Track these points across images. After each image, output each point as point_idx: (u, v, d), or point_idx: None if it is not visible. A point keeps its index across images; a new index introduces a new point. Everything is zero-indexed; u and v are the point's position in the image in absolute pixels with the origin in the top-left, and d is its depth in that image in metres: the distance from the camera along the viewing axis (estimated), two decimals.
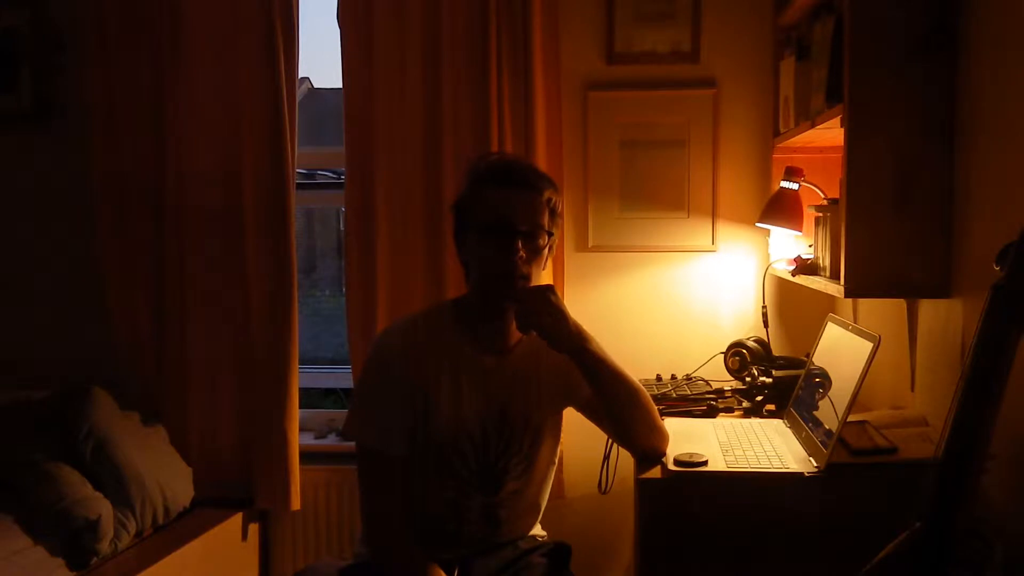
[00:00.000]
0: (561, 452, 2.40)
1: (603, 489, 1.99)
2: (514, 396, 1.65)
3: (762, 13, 2.43)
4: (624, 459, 1.95)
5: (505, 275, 1.56)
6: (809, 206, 2.07)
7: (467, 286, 1.69)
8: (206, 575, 2.37)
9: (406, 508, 1.60)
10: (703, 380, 2.26)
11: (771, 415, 2.03)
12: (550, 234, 1.62)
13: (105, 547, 2.13)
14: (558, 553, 1.72)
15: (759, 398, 2.06)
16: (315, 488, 2.63)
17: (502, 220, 1.56)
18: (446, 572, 1.57)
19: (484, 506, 1.66)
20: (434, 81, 2.46)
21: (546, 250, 1.63)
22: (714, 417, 2.02)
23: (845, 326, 1.79)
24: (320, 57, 10.00)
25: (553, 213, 1.63)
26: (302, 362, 2.58)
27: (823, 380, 1.78)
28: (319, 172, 3.51)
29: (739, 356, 2.24)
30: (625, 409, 1.66)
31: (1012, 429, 1.30)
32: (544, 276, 2.42)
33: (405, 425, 1.60)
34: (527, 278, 1.58)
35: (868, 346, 1.58)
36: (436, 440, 1.62)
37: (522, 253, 1.56)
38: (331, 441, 2.74)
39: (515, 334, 1.66)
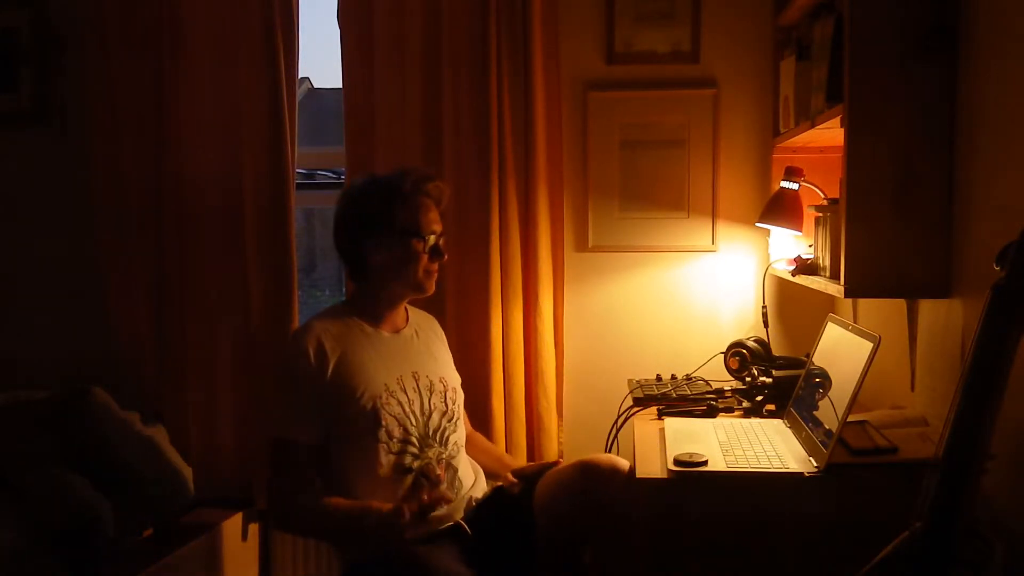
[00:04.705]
0: (561, 451, 2.41)
1: None
2: (420, 362, 1.90)
3: (762, 13, 2.43)
4: (624, 459, 1.94)
5: (430, 274, 1.87)
6: (809, 206, 2.07)
7: (357, 280, 1.91)
8: (206, 575, 2.36)
9: (307, 488, 1.76)
10: (703, 380, 2.26)
11: (771, 415, 2.03)
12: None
13: (105, 547, 2.13)
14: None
15: (759, 398, 2.06)
16: None
17: (425, 228, 1.85)
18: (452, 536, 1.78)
19: (445, 460, 1.85)
20: (434, 81, 2.46)
21: None
22: (714, 417, 2.02)
23: (845, 326, 1.79)
24: (320, 57, 10.02)
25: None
26: None
27: (823, 380, 1.78)
28: (319, 172, 3.51)
29: (739, 356, 2.24)
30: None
31: (1012, 429, 1.30)
32: (544, 277, 2.44)
33: (317, 413, 1.77)
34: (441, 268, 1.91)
35: (868, 346, 1.58)
36: (369, 408, 1.76)
37: (446, 256, 1.89)
38: None
39: (405, 316, 1.97)
